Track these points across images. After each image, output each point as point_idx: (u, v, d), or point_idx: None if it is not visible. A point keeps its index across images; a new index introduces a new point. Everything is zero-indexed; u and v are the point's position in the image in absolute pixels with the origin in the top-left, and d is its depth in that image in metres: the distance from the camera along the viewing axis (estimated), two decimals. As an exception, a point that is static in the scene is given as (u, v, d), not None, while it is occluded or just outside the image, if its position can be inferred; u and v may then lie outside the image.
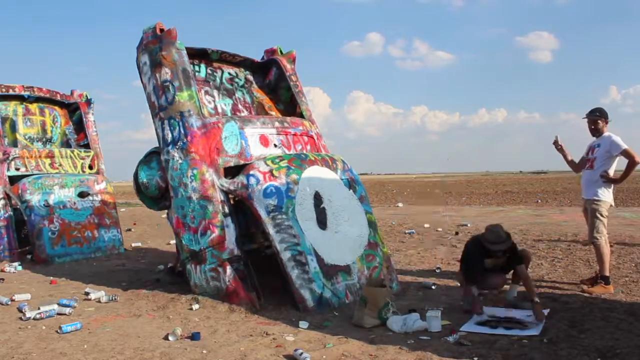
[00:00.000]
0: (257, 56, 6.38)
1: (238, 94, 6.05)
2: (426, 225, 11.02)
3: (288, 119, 5.77)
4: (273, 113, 6.08)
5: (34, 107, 8.96)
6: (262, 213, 4.68)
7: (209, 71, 5.91)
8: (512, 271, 4.61)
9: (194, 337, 3.81)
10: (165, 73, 5.12)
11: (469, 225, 10.94)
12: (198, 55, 5.75)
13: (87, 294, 5.26)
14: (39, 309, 4.55)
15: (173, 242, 7.79)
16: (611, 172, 5.10)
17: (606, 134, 5.17)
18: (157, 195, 5.39)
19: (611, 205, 5.18)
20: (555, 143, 5.51)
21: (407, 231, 10.15)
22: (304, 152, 5.55)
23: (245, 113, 5.95)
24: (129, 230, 11.95)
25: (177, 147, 5.01)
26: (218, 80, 5.96)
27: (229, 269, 4.75)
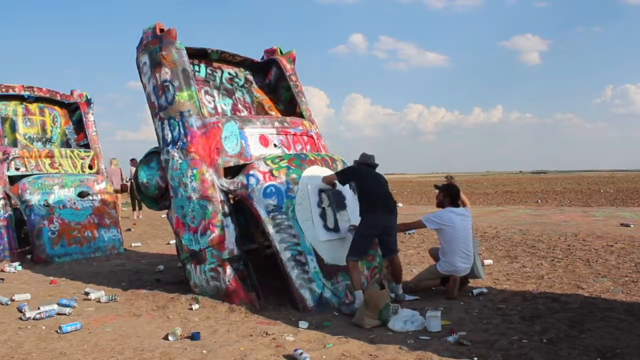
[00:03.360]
0: (256, 56, 6.39)
1: (238, 94, 6.05)
2: (426, 225, 11.00)
3: (288, 118, 5.77)
4: (273, 113, 6.08)
5: (33, 107, 8.95)
6: (262, 213, 4.68)
7: (208, 71, 5.90)
8: None
9: (194, 337, 3.81)
10: (165, 73, 5.11)
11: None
12: (198, 55, 5.74)
13: (87, 294, 5.26)
14: (39, 309, 4.55)
15: (173, 242, 7.79)
16: None
17: None
18: (157, 195, 5.39)
19: None
20: None
21: (407, 231, 10.15)
22: (304, 152, 5.55)
23: (245, 113, 5.95)
24: (129, 230, 11.95)
25: (177, 147, 5.01)
26: (218, 80, 5.96)
27: (228, 269, 4.75)
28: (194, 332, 3.89)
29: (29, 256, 7.75)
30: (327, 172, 5.23)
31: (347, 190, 5.29)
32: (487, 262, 6.61)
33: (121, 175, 12.88)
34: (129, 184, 12.88)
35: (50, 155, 8.56)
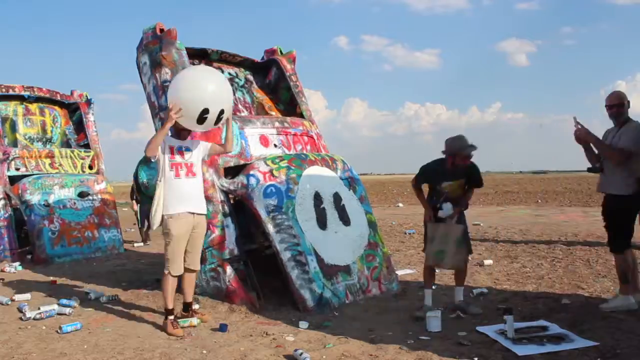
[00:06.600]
0: (255, 56, 6.38)
1: (238, 94, 6.04)
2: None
3: (288, 119, 5.77)
4: (273, 113, 6.08)
5: (34, 107, 8.96)
6: (262, 213, 4.68)
7: (209, 71, 5.90)
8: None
9: (222, 328, 3.96)
10: (165, 73, 5.11)
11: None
12: (198, 55, 5.74)
13: (87, 294, 5.26)
14: (39, 309, 4.55)
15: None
16: None
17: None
18: (157, 195, 5.38)
19: None
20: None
21: (407, 231, 10.16)
22: (304, 152, 5.55)
23: (245, 113, 5.94)
24: (130, 229, 11.95)
25: (177, 147, 5.00)
26: (218, 80, 5.95)
27: (229, 269, 4.75)
28: (221, 323, 4.04)
29: (29, 256, 7.76)
30: (327, 172, 5.23)
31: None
32: (487, 262, 6.60)
33: None
34: None
35: (51, 156, 8.57)
